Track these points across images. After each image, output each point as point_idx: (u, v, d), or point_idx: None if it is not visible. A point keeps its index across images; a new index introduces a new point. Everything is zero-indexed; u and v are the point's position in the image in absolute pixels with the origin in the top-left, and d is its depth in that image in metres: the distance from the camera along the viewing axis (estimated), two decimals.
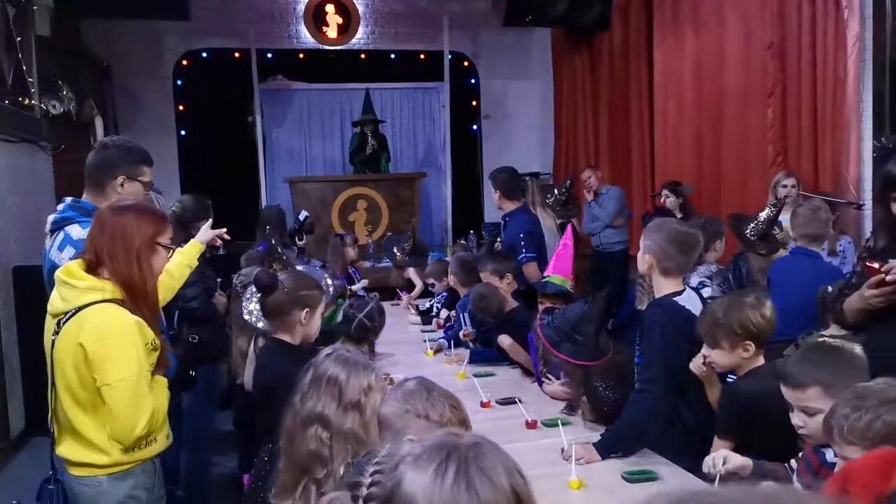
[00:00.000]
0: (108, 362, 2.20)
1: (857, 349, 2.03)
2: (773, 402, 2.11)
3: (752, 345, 2.45)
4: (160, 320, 3.13)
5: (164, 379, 2.44)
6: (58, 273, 2.31)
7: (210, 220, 4.27)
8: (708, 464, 2.08)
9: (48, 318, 2.35)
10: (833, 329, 3.03)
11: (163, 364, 2.42)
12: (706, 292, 3.87)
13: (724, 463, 2.06)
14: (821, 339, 2.27)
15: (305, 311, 2.71)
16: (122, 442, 2.28)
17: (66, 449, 2.34)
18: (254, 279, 2.77)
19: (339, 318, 3.33)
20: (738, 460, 2.09)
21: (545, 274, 3.64)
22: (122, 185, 2.78)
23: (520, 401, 3.21)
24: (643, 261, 2.78)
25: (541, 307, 3.50)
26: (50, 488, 2.38)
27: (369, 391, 1.90)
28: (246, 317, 2.89)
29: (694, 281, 3.92)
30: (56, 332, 2.26)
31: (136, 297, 2.31)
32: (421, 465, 0.97)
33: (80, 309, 2.23)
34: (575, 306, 3.05)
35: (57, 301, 2.30)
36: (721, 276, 3.97)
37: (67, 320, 2.24)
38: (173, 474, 3.64)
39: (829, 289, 3.15)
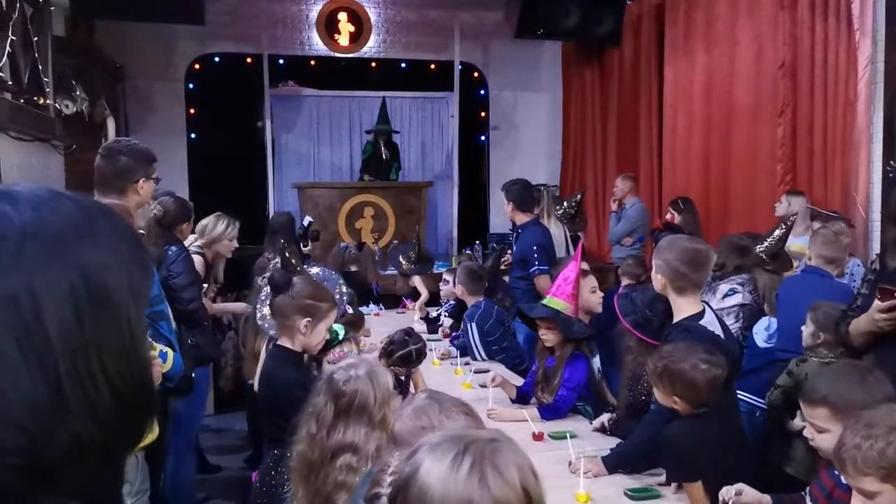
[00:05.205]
0: None
1: (880, 375, 2.03)
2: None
3: None
4: (169, 324, 3.16)
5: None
6: None
7: (191, 222, 4.35)
8: (723, 494, 2.07)
9: None
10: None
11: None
12: (737, 298, 3.89)
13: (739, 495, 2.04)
14: (850, 362, 2.25)
15: (306, 320, 2.66)
16: None
17: None
18: (269, 278, 2.78)
19: (338, 335, 3.26)
20: (755, 496, 2.06)
21: (547, 295, 3.59)
22: (141, 186, 2.87)
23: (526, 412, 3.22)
24: (656, 281, 2.75)
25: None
26: None
27: (390, 398, 1.90)
28: (259, 321, 2.90)
29: (724, 287, 3.93)
30: None
31: None
32: (438, 454, 1.00)
33: None
34: None
35: None
36: (752, 284, 3.98)
37: None
38: (158, 477, 3.64)
39: None
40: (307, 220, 6.72)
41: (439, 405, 1.70)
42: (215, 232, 4.50)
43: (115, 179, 2.87)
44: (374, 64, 9.35)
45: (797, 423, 3.11)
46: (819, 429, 1.98)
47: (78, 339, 0.61)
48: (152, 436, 2.51)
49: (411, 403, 1.76)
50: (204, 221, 4.61)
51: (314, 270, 3.40)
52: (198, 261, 4.40)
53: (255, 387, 3.13)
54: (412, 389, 3.17)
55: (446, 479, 0.97)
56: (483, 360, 4.43)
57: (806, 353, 3.27)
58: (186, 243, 4.64)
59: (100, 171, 2.92)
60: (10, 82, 4.89)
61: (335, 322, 2.97)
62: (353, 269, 6.06)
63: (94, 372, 0.61)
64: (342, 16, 8.88)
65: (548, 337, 3.41)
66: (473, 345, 4.50)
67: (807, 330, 3.27)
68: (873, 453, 1.64)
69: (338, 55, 9.04)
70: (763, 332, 3.97)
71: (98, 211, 0.69)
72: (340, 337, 3.13)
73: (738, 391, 3.67)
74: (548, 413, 3.28)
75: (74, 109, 6.25)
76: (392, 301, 6.80)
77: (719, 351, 2.45)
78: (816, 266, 3.91)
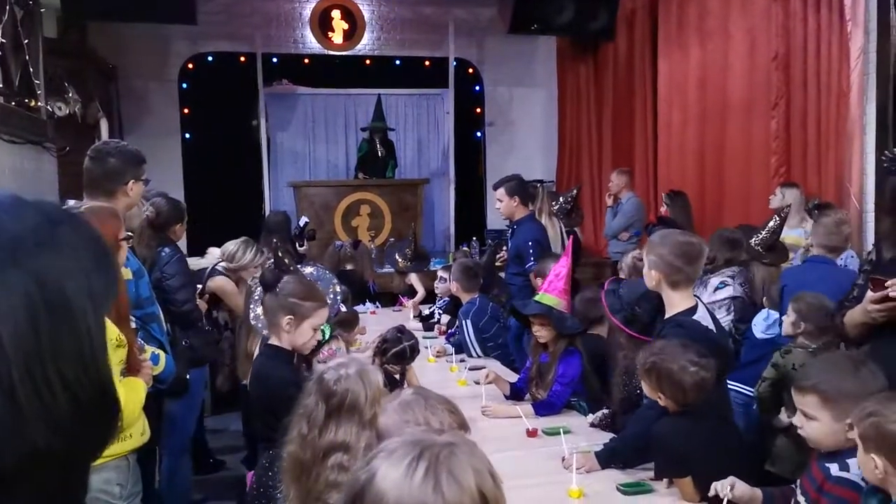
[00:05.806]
0: None
1: (874, 367, 2.03)
2: None
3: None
4: (161, 325, 3.16)
5: (140, 381, 2.45)
6: None
7: (184, 223, 4.35)
8: (716, 488, 2.06)
9: None
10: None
11: (136, 367, 2.44)
12: (728, 291, 3.90)
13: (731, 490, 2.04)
14: (845, 353, 2.26)
15: (288, 318, 2.63)
16: None
17: None
18: (259, 277, 2.77)
19: (325, 334, 3.25)
20: (746, 490, 2.06)
21: (538, 291, 3.58)
22: (131, 188, 2.87)
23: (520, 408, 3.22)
24: (650, 277, 2.72)
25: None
26: None
27: (380, 397, 1.91)
28: (252, 321, 2.89)
29: (715, 281, 3.94)
30: None
31: None
32: (394, 460, 0.99)
33: None
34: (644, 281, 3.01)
35: None
36: (742, 276, 3.99)
37: None
38: (151, 478, 3.64)
39: None
40: (303, 220, 6.72)
41: (425, 401, 1.71)
42: (244, 261, 4.44)
43: (104, 181, 2.87)
44: (368, 61, 9.33)
45: (783, 418, 3.12)
46: (808, 416, 1.98)
47: (33, 346, 0.60)
48: (144, 437, 2.51)
49: (398, 398, 1.76)
50: (231, 247, 4.49)
51: (308, 270, 3.39)
52: (224, 280, 4.39)
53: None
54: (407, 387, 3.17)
55: (401, 485, 0.96)
56: (478, 356, 4.44)
57: (789, 344, 3.28)
58: (210, 261, 4.64)
59: (88, 174, 2.92)
60: (1, 85, 4.89)
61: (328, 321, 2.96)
62: (350, 267, 6.06)
63: (50, 379, 0.61)
64: (336, 13, 8.86)
65: (541, 333, 3.41)
66: (468, 341, 4.50)
67: (787, 319, 3.29)
68: (860, 413, 1.73)
69: (332, 53, 9.02)
70: (762, 322, 3.97)
71: (63, 218, 0.68)
72: (327, 335, 3.13)
73: (737, 383, 3.69)
74: (542, 409, 3.28)
75: (67, 111, 6.23)
76: (389, 299, 6.81)
77: (711, 349, 2.44)
78: (820, 255, 3.91)
